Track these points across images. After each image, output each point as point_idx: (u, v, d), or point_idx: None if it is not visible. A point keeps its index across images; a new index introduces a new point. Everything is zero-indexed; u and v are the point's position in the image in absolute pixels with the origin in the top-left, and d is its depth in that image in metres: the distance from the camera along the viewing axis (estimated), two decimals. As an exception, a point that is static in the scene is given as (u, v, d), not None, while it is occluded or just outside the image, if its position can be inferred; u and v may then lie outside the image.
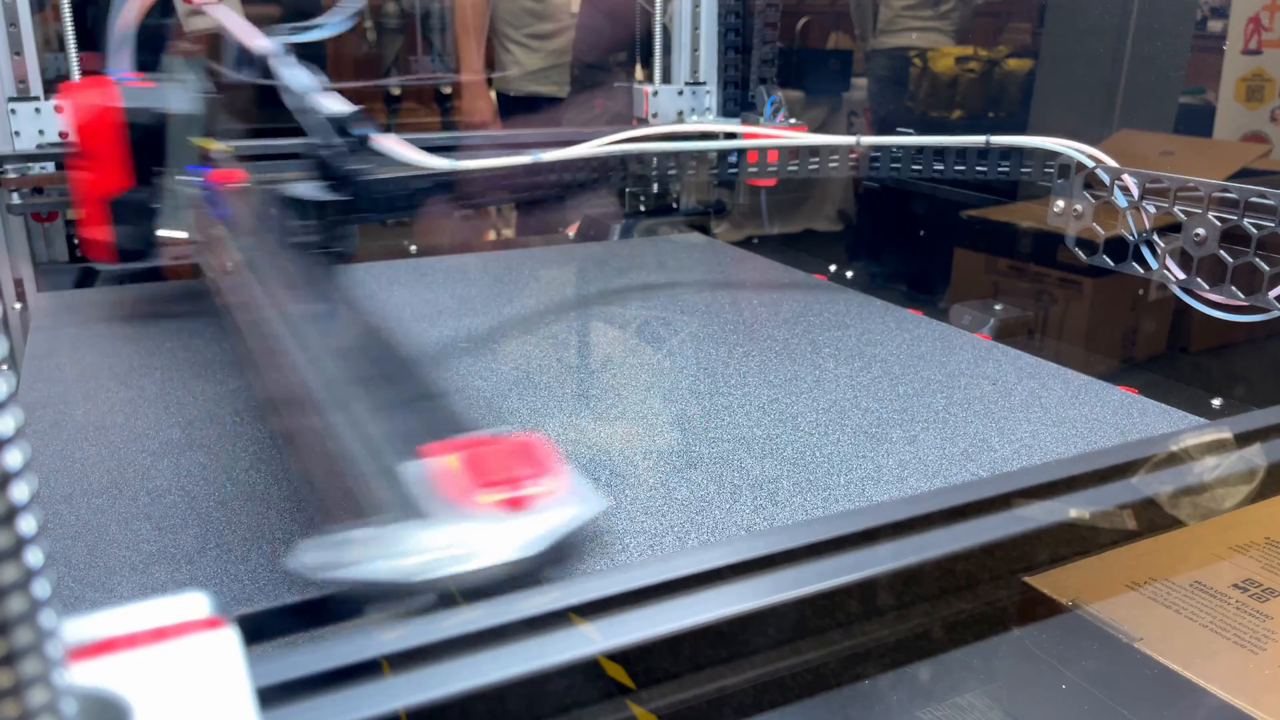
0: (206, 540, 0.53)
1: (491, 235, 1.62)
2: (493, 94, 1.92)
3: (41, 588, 0.13)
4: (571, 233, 1.43)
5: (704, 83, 1.36)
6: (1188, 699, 0.45)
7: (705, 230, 1.33)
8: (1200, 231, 0.72)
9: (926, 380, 0.75)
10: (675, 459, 0.61)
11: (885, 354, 0.80)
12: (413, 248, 1.25)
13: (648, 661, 0.28)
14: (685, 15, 1.38)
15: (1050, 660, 0.52)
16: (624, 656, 0.27)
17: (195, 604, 0.18)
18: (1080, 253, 0.81)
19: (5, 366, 0.14)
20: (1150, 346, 1.19)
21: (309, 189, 0.78)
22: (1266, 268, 0.68)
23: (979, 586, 0.44)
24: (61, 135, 1.03)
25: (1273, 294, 0.69)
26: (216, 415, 0.69)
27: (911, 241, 1.08)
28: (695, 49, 1.36)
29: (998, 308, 0.95)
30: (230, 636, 0.16)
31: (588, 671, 0.26)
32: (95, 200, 0.81)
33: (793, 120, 1.18)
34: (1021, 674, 0.53)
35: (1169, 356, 1.16)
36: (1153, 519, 0.46)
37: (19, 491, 0.12)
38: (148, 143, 0.81)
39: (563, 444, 0.64)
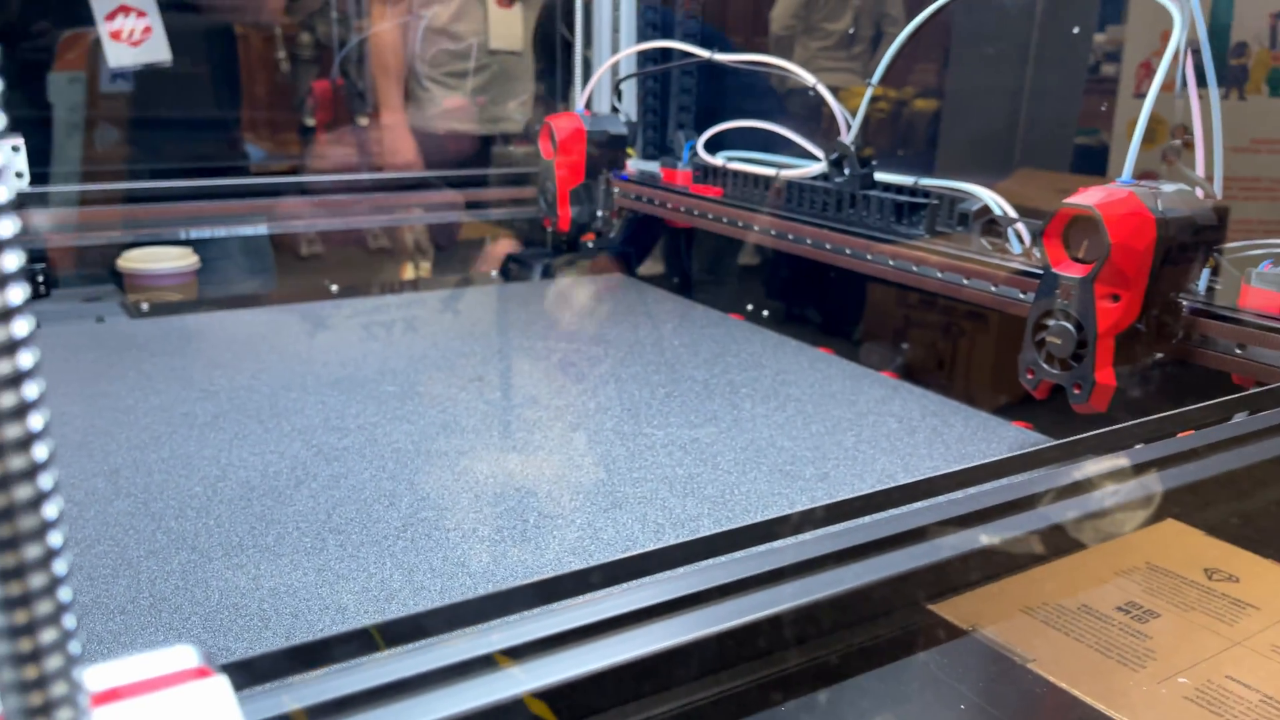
0: (139, 590, 0.53)
1: (410, 274, 1.63)
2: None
3: (75, 646, 0.15)
4: (493, 272, 1.45)
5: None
6: (1076, 716, 0.48)
7: (626, 270, 1.37)
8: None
9: (837, 419, 0.79)
10: (601, 499, 0.64)
11: (799, 393, 0.84)
12: (334, 287, 1.26)
13: (573, 699, 0.30)
14: (605, 54, 1.42)
15: (951, 682, 0.56)
16: (550, 695, 0.30)
17: (184, 656, 0.20)
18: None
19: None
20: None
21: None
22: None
23: (889, 615, 0.47)
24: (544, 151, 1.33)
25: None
26: (142, 463, 0.70)
27: (825, 278, 1.12)
28: (616, 89, 1.40)
29: (904, 346, 1.00)
30: (222, 684, 0.18)
31: (514, 712, 0.29)
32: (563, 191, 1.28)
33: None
34: (926, 696, 0.56)
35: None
36: (1044, 547, 0.50)
37: (60, 566, 0.14)
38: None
39: (491, 486, 0.66)
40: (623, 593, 0.34)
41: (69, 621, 0.15)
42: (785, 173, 1.08)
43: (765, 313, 1.17)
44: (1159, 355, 0.71)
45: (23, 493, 0.14)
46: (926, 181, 0.96)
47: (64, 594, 0.14)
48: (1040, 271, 0.72)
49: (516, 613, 0.32)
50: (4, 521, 0.14)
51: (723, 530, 0.40)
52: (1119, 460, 0.55)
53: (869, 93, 0.99)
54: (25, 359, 0.14)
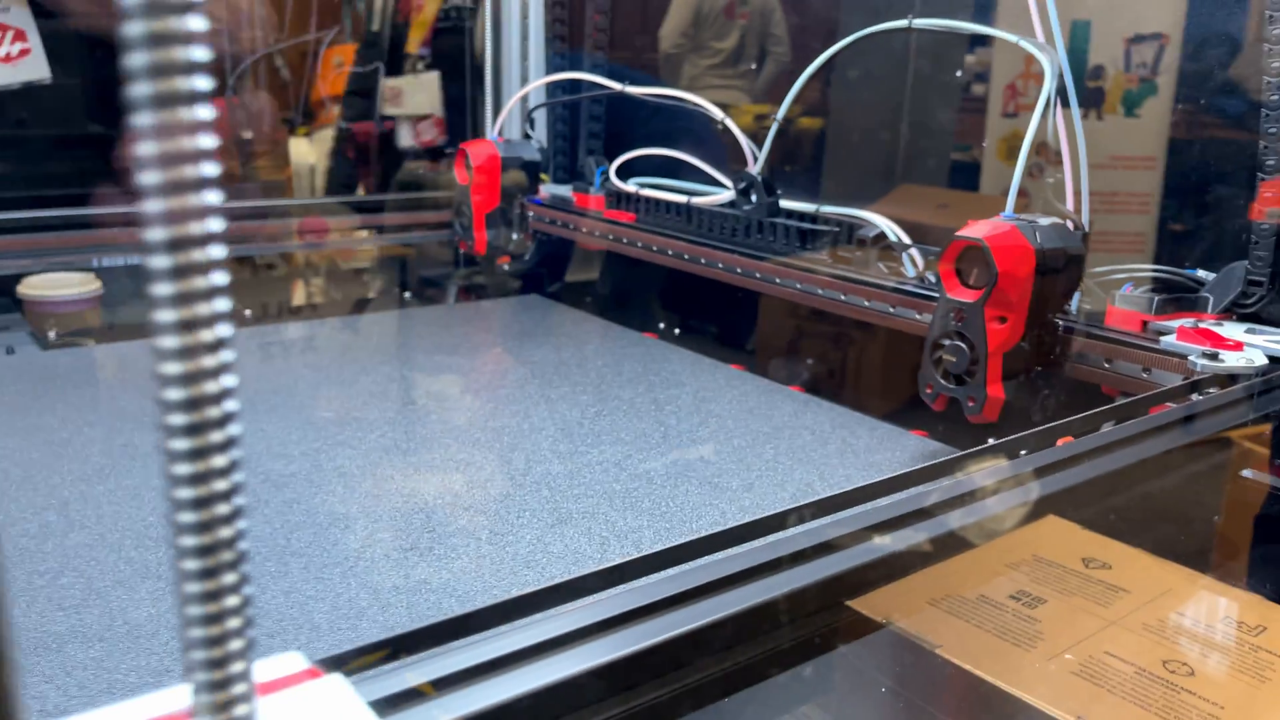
0: (112, 618, 0.56)
1: (325, 298, 1.63)
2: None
3: (249, 648, 0.19)
4: (407, 294, 1.48)
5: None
6: (979, 693, 0.53)
7: (542, 291, 1.41)
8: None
9: (756, 432, 0.85)
10: (547, 515, 0.68)
11: (719, 409, 0.90)
12: (247, 312, 1.27)
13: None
14: (515, 81, 1.46)
15: (871, 670, 0.62)
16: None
17: (294, 660, 0.24)
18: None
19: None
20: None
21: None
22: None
23: (813, 615, 0.53)
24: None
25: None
26: (90, 495, 0.71)
27: (735, 299, 1.18)
28: (528, 117, 1.44)
29: (810, 362, 1.08)
30: (338, 680, 0.23)
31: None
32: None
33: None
34: (848, 685, 0.62)
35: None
36: (945, 546, 0.56)
37: (240, 571, 0.19)
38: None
39: (439, 506, 0.70)
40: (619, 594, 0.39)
41: (249, 628, 0.19)
42: (696, 200, 1.15)
43: (677, 331, 1.23)
44: (1040, 369, 0.79)
45: (222, 509, 0.19)
46: (828, 209, 1.04)
47: (247, 589, 0.19)
48: (931, 292, 0.80)
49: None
50: (204, 533, 0.19)
51: (692, 539, 0.45)
52: (1007, 467, 0.62)
53: (774, 127, 1.06)
54: None
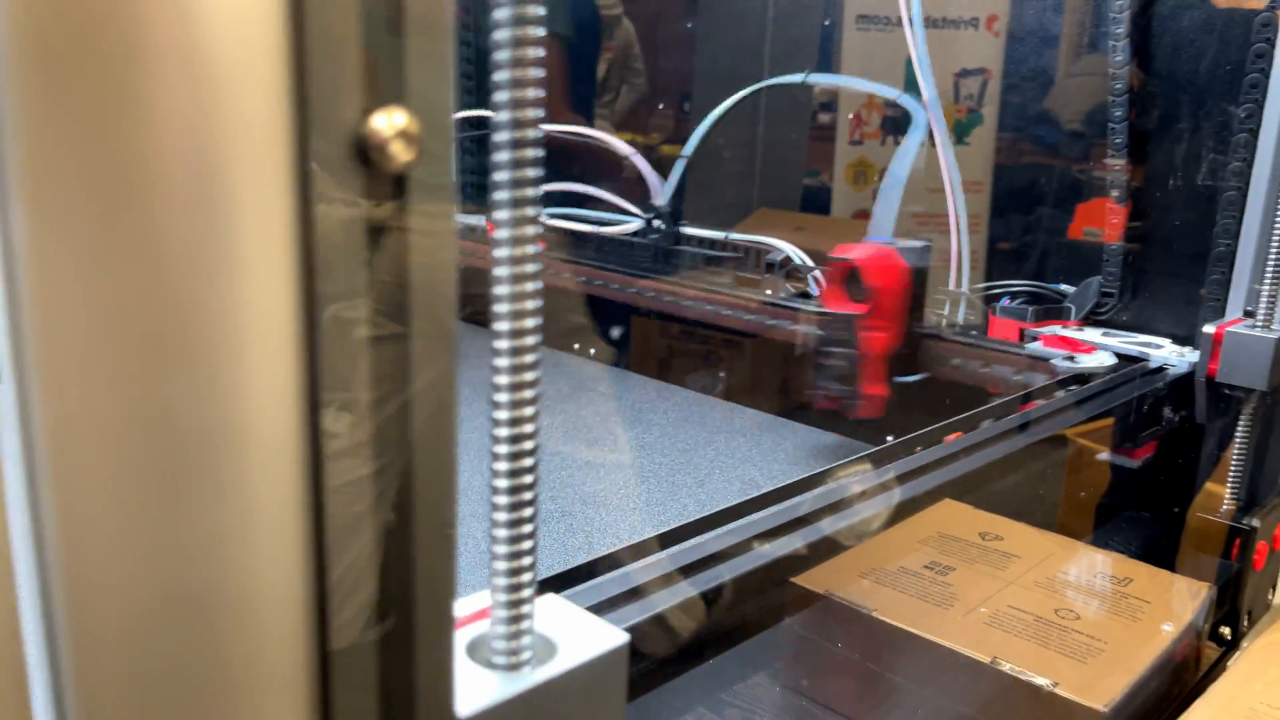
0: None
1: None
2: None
3: (535, 568, 0.26)
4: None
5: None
6: (913, 645, 0.62)
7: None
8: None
9: (696, 437, 0.94)
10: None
11: (658, 419, 0.99)
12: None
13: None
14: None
15: (815, 636, 0.69)
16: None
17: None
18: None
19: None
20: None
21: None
22: (918, 340, 0.95)
23: (764, 591, 0.59)
24: None
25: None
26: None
27: (651, 320, 1.25)
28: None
29: (723, 375, 1.18)
30: (554, 597, 0.29)
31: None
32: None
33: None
34: (797, 649, 0.70)
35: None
36: (867, 529, 0.63)
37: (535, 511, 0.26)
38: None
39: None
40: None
41: (533, 555, 0.26)
42: (606, 230, 1.23)
43: (592, 350, 1.31)
44: (922, 373, 0.91)
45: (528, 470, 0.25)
46: (735, 236, 1.14)
47: (533, 532, 0.26)
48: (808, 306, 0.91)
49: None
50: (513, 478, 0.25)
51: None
52: (909, 460, 0.68)
53: (681, 164, 1.16)
54: None
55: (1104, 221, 0.87)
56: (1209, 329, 0.71)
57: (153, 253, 0.16)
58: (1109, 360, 0.82)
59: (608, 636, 0.25)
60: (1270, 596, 0.79)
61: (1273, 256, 0.68)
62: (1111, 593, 0.70)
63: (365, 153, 0.17)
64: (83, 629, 0.17)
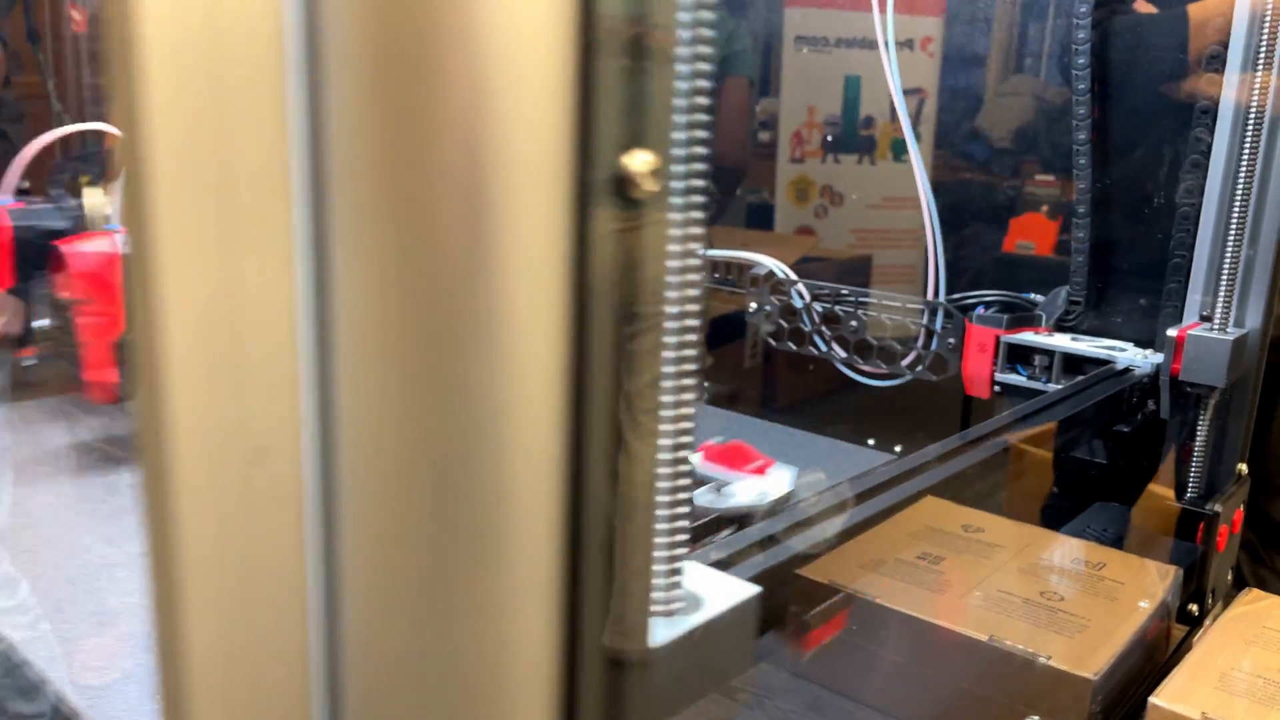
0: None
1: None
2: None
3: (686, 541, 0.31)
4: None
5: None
6: (916, 627, 0.66)
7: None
8: (854, 323, 1.03)
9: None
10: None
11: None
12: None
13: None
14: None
15: (822, 625, 0.73)
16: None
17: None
18: (772, 341, 1.10)
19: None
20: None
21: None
22: (899, 347, 1.01)
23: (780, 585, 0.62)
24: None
25: (904, 363, 1.01)
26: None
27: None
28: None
29: (706, 384, 1.23)
30: (696, 562, 0.34)
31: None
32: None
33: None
34: (804, 637, 0.73)
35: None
36: (865, 523, 0.67)
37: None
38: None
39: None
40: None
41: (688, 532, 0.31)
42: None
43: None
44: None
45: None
46: (713, 253, 1.19)
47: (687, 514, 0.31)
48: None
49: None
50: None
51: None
52: (902, 464, 0.73)
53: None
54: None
55: (1036, 235, 0.93)
56: (1172, 332, 0.77)
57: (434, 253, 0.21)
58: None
59: (741, 590, 0.30)
60: (1229, 576, 0.86)
61: (1227, 266, 0.75)
62: (1089, 576, 0.76)
63: (621, 183, 0.22)
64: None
